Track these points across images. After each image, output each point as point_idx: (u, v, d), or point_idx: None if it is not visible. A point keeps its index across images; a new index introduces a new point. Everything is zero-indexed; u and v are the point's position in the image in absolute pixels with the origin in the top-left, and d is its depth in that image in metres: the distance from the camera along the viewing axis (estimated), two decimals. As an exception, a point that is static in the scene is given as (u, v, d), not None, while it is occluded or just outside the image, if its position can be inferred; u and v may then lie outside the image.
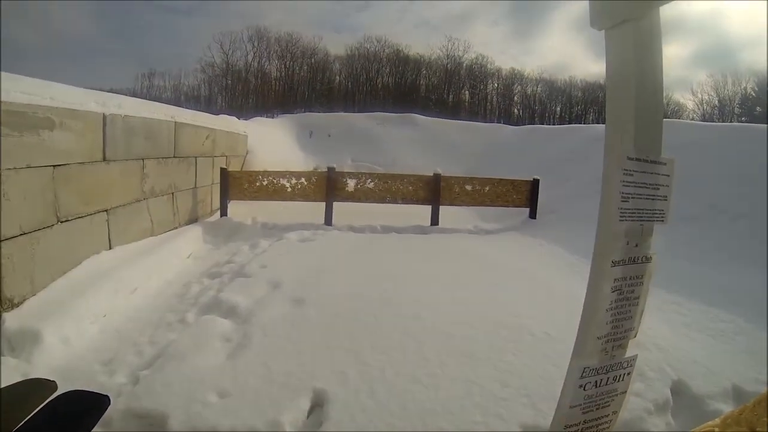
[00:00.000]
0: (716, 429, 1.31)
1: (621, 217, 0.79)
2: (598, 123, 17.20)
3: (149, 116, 5.80)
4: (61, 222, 4.06)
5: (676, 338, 3.66)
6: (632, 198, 0.81)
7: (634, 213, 0.82)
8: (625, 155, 0.80)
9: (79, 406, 1.11)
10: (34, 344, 3.14)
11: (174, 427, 2.53)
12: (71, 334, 3.40)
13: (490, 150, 13.48)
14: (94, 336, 3.57)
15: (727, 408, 2.85)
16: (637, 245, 0.85)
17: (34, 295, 3.69)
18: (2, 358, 3.02)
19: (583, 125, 15.18)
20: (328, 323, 3.66)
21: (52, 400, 1.11)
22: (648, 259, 0.87)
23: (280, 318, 3.75)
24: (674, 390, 3.03)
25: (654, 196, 0.85)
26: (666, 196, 0.88)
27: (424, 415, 2.66)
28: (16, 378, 2.45)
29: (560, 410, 0.93)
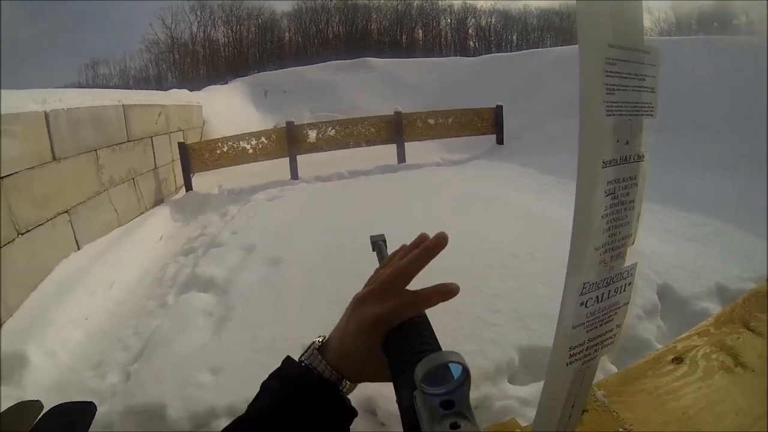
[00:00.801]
0: (711, 328, 1.37)
1: (608, 111, 0.69)
2: (556, 46, 16.76)
3: (94, 104, 5.45)
4: (22, 234, 3.84)
5: (657, 244, 3.65)
6: (618, 90, 0.70)
7: (621, 107, 0.71)
8: (606, 42, 0.66)
9: (66, 419, 1.00)
10: (22, 367, 2.99)
11: (173, 416, 2.46)
12: (56, 346, 3.25)
13: (449, 84, 13.11)
14: (80, 341, 3.42)
15: (712, 306, 2.89)
16: (627, 143, 0.74)
17: (11, 316, 3.52)
18: None
19: (540, 49, 14.82)
20: (308, 279, 3.56)
21: (38, 421, 1.02)
22: (641, 158, 0.76)
23: (258, 282, 3.65)
24: (661, 294, 3.06)
25: (640, 87, 0.74)
26: (653, 88, 0.76)
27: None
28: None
29: (562, 332, 0.84)
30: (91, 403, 1.06)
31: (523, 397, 2.34)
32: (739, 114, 6.04)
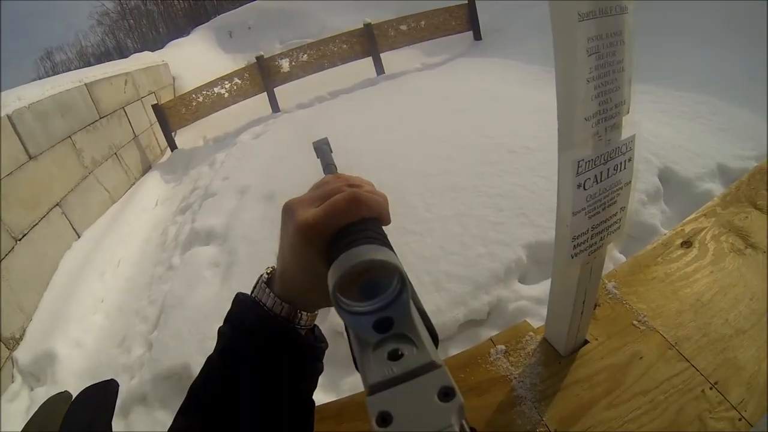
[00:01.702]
0: (717, 208, 1.32)
1: None
2: None
3: (56, 92, 5.16)
4: (19, 240, 3.74)
5: (654, 126, 3.44)
6: None
7: None
8: None
9: (92, 404, 1.06)
10: (53, 363, 3.02)
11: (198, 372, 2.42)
12: (80, 334, 3.27)
13: None
14: (101, 324, 3.43)
15: (715, 187, 2.78)
16: None
17: (31, 320, 3.51)
18: (33, 391, 2.95)
19: None
20: (306, 203, 3.45)
21: (67, 412, 1.07)
22: (623, 9, 0.66)
23: (257, 220, 3.60)
24: (662, 177, 2.92)
25: None
26: None
27: (427, 265, 2.53)
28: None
29: (562, 220, 0.79)
30: (112, 380, 1.11)
31: (536, 296, 2.28)
32: None
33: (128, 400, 2.51)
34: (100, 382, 1.14)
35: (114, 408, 1.08)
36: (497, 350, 1.09)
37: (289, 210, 0.46)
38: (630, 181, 0.81)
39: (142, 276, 3.85)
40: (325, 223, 0.41)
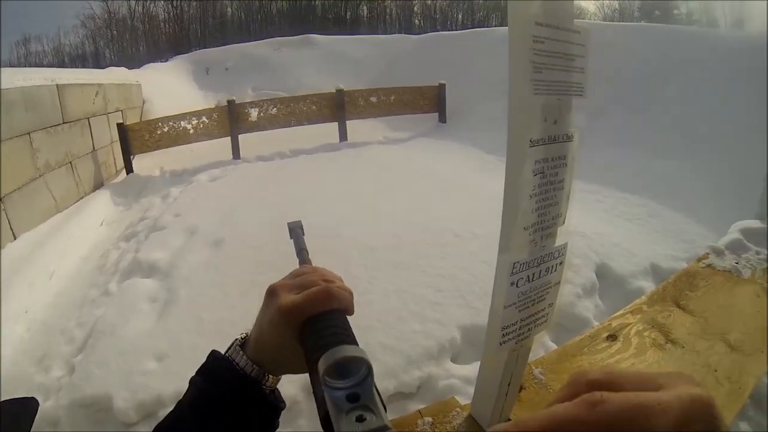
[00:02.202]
0: (644, 306, 1.44)
1: (536, 89, 0.67)
2: (502, 26, 16.46)
3: (26, 84, 5.06)
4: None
5: (596, 224, 3.76)
6: (545, 69, 0.69)
7: (550, 86, 0.70)
8: (533, 20, 0.64)
9: (8, 418, 1.00)
10: None
11: (120, 406, 2.41)
12: (-4, 343, 3.10)
13: (394, 62, 12.84)
14: (21, 336, 3.26)
15: (647, 284, 3.00)
16: (556, 122, 0.73)
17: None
18: None
19: (485, 29, 14.66)
20: (250, 258, 3.53)
21: None
22: (569, 138, 0.76)
23: (201, 264, 3.60)
24: (599, 273, 3.16)
25: (569, 67, 0.73)
26: (583, 68, 0.75)
27: (363, 334, 2.56)
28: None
29: (494, 311, 0.85)
30: (32, 398, 1.05)
31: (466, 376, 2.39)
32: (678, 99, 6.19)
33: (39, 422, 2.41)
34: (18, 398, 1.17)
35: (30, 428, 1.12)
36: (424, 421, 1.14)
37: (273, 292, 0.55)
38: (559, 282, 0.88)
39: (74, 294, 3.73)
40: (303, 309, 0.50)
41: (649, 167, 5.04)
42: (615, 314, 1.44)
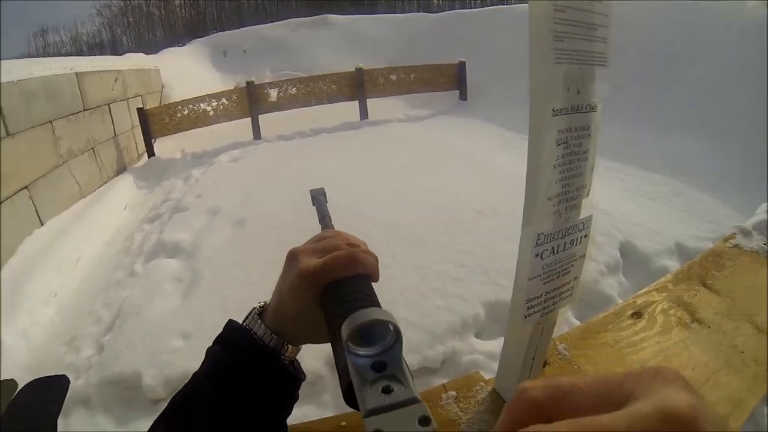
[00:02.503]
0: (669, 284, 1.39)
1: (557, 58, 0.66)
2: (521, 3, 15.94)
3: (46, 74, 5.11)
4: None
5: (619, 202, 3.68)
6: (567, 38, 0.67)
7: (572, 55, 0.68)
8: None
9: (40, 395, 0.98)
10: None
11: (149, 382, 2.45)
12: (28, 325, 3.17)
13: (412, 41, 12.62)
14: (51, 319, 3.34)
15: (672, 263, 2.95)
16: (579, 92, 0.71)
17: (-21, 302, 3.39)
18: None
19: (504, 6, 14.29)
20: (272, 237, 3.53)
21: (12, 399, 0.99)
22: (593, 108, 0.73)
23: (224, 244, 3.62)
24: (623, 251, 3.09)
25: (591, 37, 0.70)
26: (605, 38, 0.73)
27: (386, 308, 2.58)
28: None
29: (519, 284, 0.83)
30: (63, 376, 1.06)
31: (490, 351, 2.37)
32: (704, 76, 5.95)
33: (70, 400, 2.46)
34: (50, 376, 1.08)
35: (61, 405, 0.99)
36: (448, 395, 1.13)
37: (293, 256, 0.52)
38: (584, 255, 0.87)
39: (100, 277, 3.79)
40: (325, 274, 0.47)
41: (673, 146, 4.89)
42: (640, 292, 1.40)
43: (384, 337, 0.37)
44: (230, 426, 0.50)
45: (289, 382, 0.54)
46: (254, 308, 0.56)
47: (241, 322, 0.55)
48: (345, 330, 0.37)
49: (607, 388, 0.22)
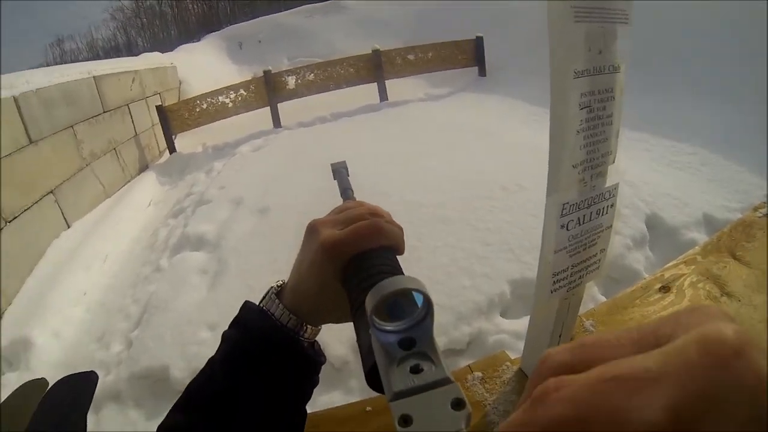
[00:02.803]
0: (698, 257, 1.32)
1: (576, 16, 0.62)
2: None
3: (64, 81, 5.18)
4: (9, 222, 3.73)
5: (644, 173, 3.54)
6: None
7: (591, 12, 0.64)
8: None
9: (70, 393, 0.96)
10: (28, 350, 2.97)
11: (177, 375, 2.47)
12: (59, 325, 3.22)
13: (426, 19, 12.29)
14: (81, 317, 3.39)
15: (700, 236, 2.83)
16: (600, 52, 0.67)
17: (10, 303, 3.48)
18: (4, 375, 2.87)
19: None
20: (297, 224, 3.46)
21: (43, 398, 1.00)
22: (616, 69, 0.69)
23: (249, 233, 3.60)
24: (649, 224, 2.99)
25: None
26: None
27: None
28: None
29: (544, 257, 0.81)
30: (92, 372, 1.09)
31: (516, 330, 2.32)
32: (729, 44, 5.64)
33: (101, 396, 2.49)
34: (79, 373, 1.21)
35: (91, 400, 1.13)
36: (474, 377, 1.12)
37: (313, 229, 0.49)
38: (611, 225, 0.84)
39: (128, 274, 3.82)
40: (347, 246, 0.44)
41: (699, 114, 4.61)
42: (668, 265, 1.35)
43: (412, 312, 0.34)
44: (246, 412, 0.47)
45: (307, 364, 0.51)
46: (272, 287, 0.53)
47: (258, 303, 0.52)
48: (370, 302, 0.32)
49: (640, 335, 0.19)
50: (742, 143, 3.82)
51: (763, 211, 1.54)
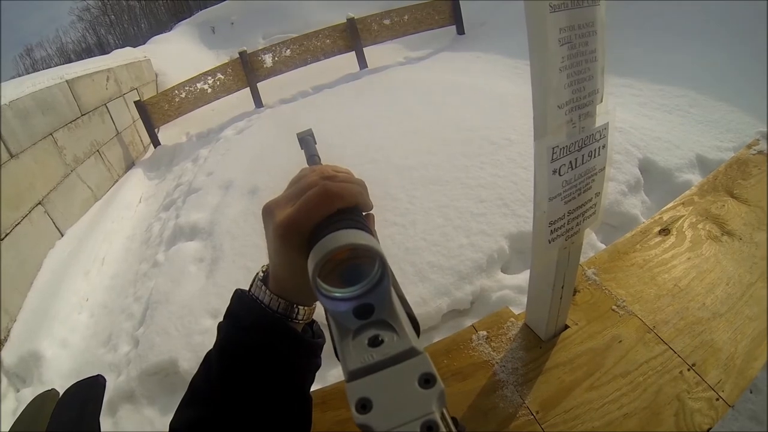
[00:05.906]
0: (695, 197, 1.33)
1: None
2: None
3: (36, 89, 5.05)
4: (2, 239, 3.67)
5: (634, 118, 3.48)
6: None
7: None
8: None
9: (80, 398, 1.09)
10: (39, 364, 2.97)
11: (185, 367, 2.47)
12: (65, 334, 3.22)
13: None
14: (86, 323, 3.39)
15: (695, 178, 2.81)
16: None
17: (15, 321, 3.44)
18: (18, 392, 2.89)
19: None
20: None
21: (54, 409, 1.09)
22: (595, 1, 0.67)
23: (241, 215, 3.56)
24: (642, 168, 2.96)
25: None
26: None
27: (411, 256, 2.54)
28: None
29: (539, 206, 0.79)
30: (99, 376, 1.14)
31: (518, 285, 2.30)
32: None
33: (116, 397, 2.49)
34: (86, 378, 1.14)
35: (102, 403, 1.08)
36: (479, 336, 1.09)
37: (267, 212, 0.47)
38: (604, 167, 0.82)
39: (126, 273, 3.80)
40: (300, 221, 0.41)
41: (686, 55, 4.47)
42: (665, 207, 1.39)
43: (368, 274, 0.30)
44: (246, 401, 0.47)
45: (302, 347, 0.50)
46: (257, 273, 0.51)
47: (248, 289, 0.51)
48: (311, 263, 0.29)
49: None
50: (730, 83, 3.75)
51: (758, 147, 1.53)
